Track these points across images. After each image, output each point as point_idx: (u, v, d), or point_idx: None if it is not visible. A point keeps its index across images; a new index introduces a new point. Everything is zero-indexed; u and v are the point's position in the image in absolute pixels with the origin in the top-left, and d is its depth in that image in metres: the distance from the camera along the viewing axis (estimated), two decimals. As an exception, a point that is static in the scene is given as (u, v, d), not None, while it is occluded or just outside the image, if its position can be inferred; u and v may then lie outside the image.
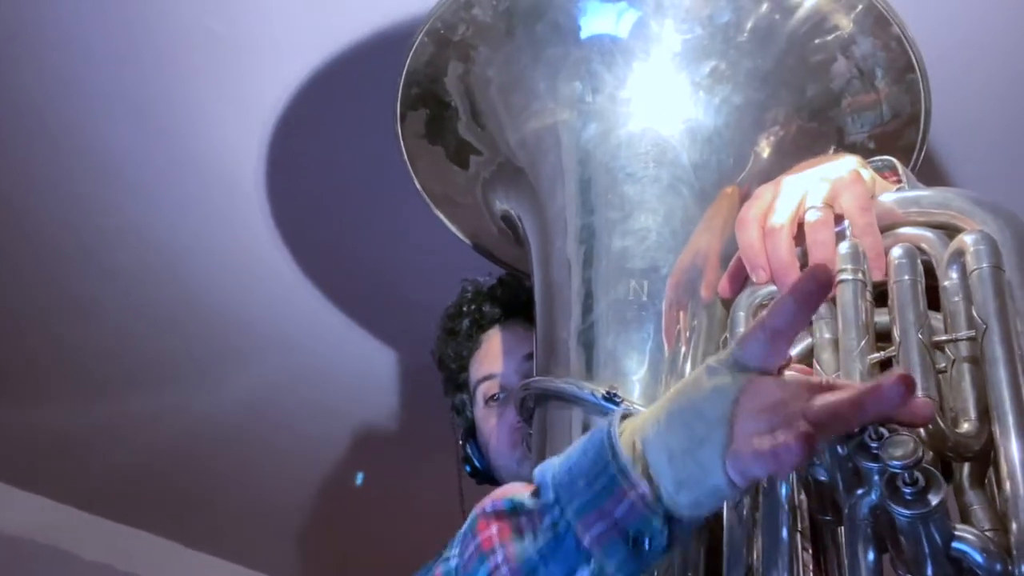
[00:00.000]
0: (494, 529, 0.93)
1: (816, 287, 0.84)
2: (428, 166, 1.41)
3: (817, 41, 1.19)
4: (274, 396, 2.42)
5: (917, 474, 0.83)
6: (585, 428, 1.12)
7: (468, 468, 1.58)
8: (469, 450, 1.57)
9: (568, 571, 0.88)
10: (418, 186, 1.43)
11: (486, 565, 0.92)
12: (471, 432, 1.57)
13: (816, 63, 1.20)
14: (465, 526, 0.97)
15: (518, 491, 0.95)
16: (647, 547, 0.87)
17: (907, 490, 0.83)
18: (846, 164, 1.10)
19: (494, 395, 1.49)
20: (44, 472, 2.66)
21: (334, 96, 1.80)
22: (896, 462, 0.82)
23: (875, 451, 0.86)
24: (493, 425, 1.48)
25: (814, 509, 0.99)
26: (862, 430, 0.87)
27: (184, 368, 2.35)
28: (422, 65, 1.32)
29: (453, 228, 1.48)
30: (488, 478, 1.56)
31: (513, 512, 0.93)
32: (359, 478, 2.63)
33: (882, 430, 0.86)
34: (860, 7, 1.17)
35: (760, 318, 0.88)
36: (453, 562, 0.99)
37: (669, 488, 0.86)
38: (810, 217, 1.06)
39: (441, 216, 1.46)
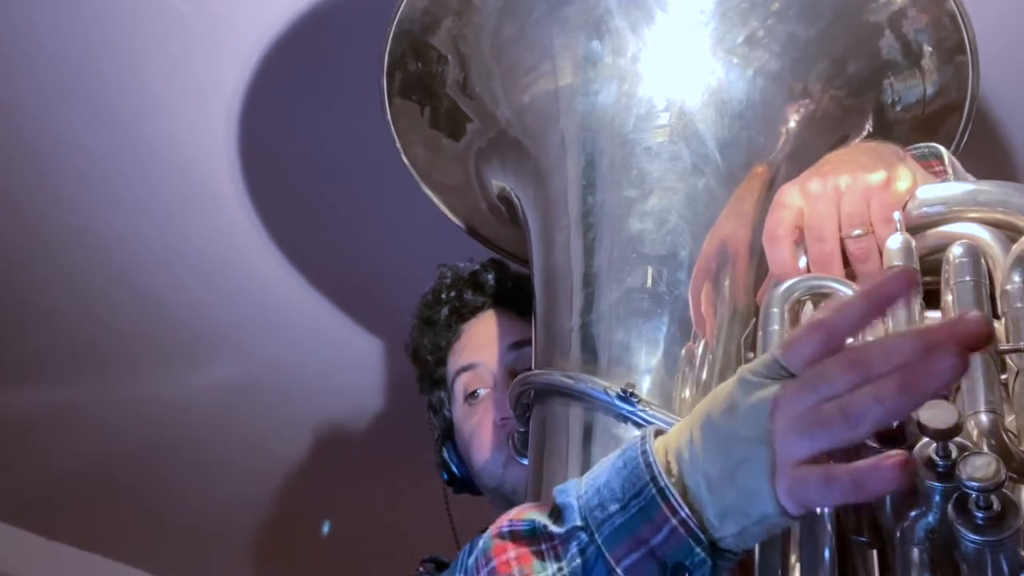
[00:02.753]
0: (512, 554, 0.90)
1: (898, 291, 0.81)
2: (415, 134, 1.37)
3: (865, 9, 1.17)
4: (240, 398, 2.37)
5: (993, 498, 0.81)
6: (590, 431, 1.09)
7: (445, 475, 1.53)
8: (446, 454, 1.52)
9: None
10: (404, 159, 1.38)
11: None
12: (449, 434, 1.53)
13: (862, 34, 1.18)
14: (476, 549, 0.93)
15: (535, 512, 0.92)
16: None
17: (979, 514, 0.82)
18: (878, 172, 1.07)
19: (474, 391, 1.44)
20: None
21: (307, 72, 1.77)
22: (975, 483, 0.80)
23: (942, 469, 0.84)
24: (475, 423, 1.43)
25: (848, 528, 0.97)
26: (926, 444, 0.86)
27: (138, 365, 2.30)
28: (417, 13, 1.27)
29: (441, 206, 1.43)
30: (467, 486, 1.52)
31: (534, 535, 0.90)
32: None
33: (950, 446, 0.84)
34: (916, -24, 1.15)
35: (814, 319, 0.85)
36: None
37: (712, 518, 0.83)
38: (853, 248, 1.05)
39: (428, 191, 1.42)
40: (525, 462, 1.30)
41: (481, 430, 1.41)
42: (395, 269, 1.63)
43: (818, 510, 0.92)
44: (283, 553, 2.81)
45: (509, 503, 1.35)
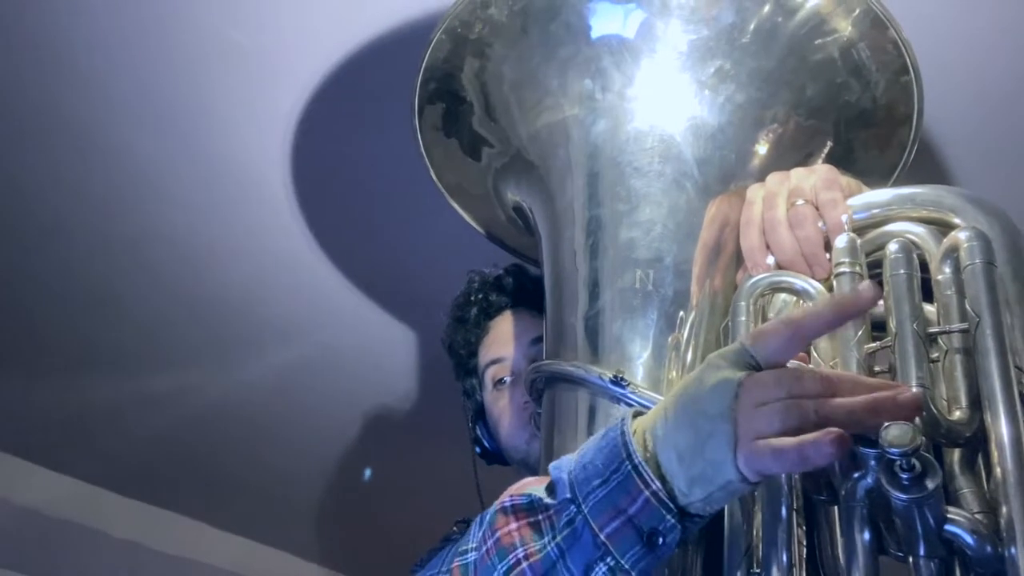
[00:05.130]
0: (513, 525, 0.91)
1: (865, 306, 0.84)
2: (444, 158, 1.39)
3: (817, 43, 1.17)
4: (295, 380, 2.40)
5: (914, 461, 0.82)
6: (591, 410, 1.11)
7: (478, 449, 1.56)
8: (479, 431, 1.54)
9: (586, 566, 0.86)
10: (433, 177, 1.40)
11: (507, 561, 0.89)
12: (480, 414, 1.54)
13: (816, 64, 1.18)
14: (484, 522, 0.95)
15: (534, 486, 0.94)
16: (661, 543, 0.85)
17: (904, 475, 0.82)
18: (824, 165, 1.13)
19: (501, 379, 1.47)
20: (73, 452, 2.65)
21: (351, 97, 1.78)
22: (895, 449, 0.81)
23: (873, 438, 0.85)
24: (502, 407, 1.45)
25: (808, 488, 0.97)
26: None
27: (205, 352, 2.34)
28: (439, 61, 1.29)
29: (467, 217, 1.45)
30: (497, 458, 1.54)
31: (531, 508, 0.92)
32: (367, 473, 2.63)
33: (879, 419, 0.85)
34: (859, 11, 1.14)
35: (787, 317, 0.86)
36: (472, 556, 0.97)
37: (682, 486, 0.84)
38: (793, 215, 1.07)
39: (455, 205, 1.43)
40: (545, 437, 1.33)
41: (507, 412, 1.44)
42: (426, 268, 1.64)
43: (782, 476, 0.93)
44: (331, 509, 2.83)
45: (533, 471, 1.37)
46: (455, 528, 1.41)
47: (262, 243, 2.06)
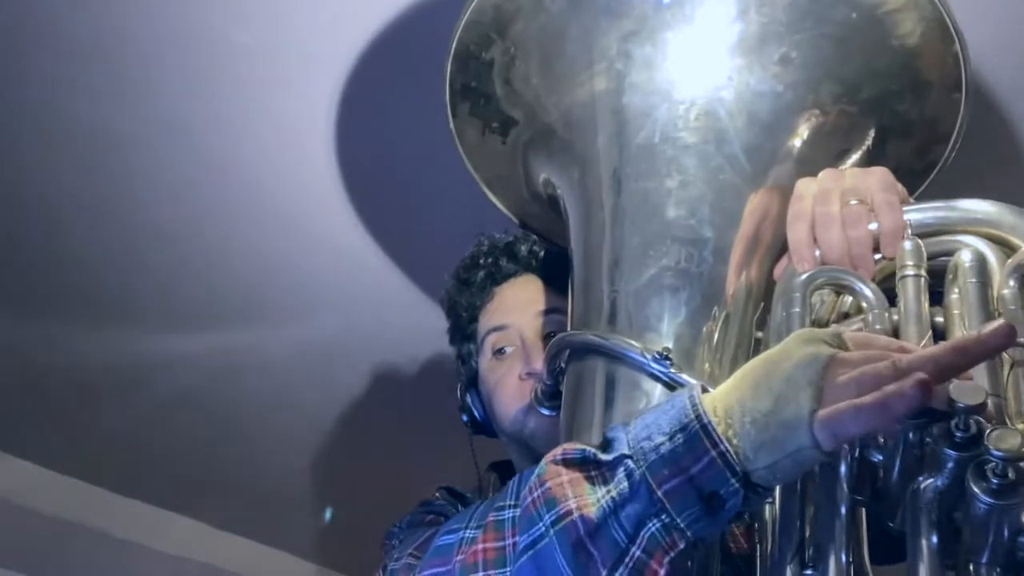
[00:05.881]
0: (565, 477, 0.87)
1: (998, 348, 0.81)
2: (474, 124, 1.32)
3: (884, 45, 1.15)
4: (297, 377, 2.33)
5: (1009, 468, 0.80)
6: (618, 383, 1.07)
7: (466, 418, 1.49)
8: (469, 399, 1.48)
9: (639, 522, 0.82)
10: (460, 149, 1.34)
11: (555, 510, 0.84)
12: (473, 382, 1.48)
13: (878, 67, 1.16)
14: (531, 475, 0.90)
15: (584, 446, 0.89)
16: (721, 507, 0.82)
17: (996, 481, 0.81)
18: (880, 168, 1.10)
19: (502, 347, 1.40)
20: (73, 450, 2.54)
21: (361, 99, 1.76)
22: (999, 452, 0.79)
23: (960, 440, 0.83)
24: (500, 376, 1.38)
25: (850, 485, 0.95)
26: (944, 417, 0.84)
27: (207, 351, 2.26)
28: (490, 6, 1.22)
29: (497, 202, 1.39)
30: (484, 430, 1.47)
31: (584, 462, 0.87)
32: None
33: (971, 421, 0.83)
34: (930, 18, 1.13)
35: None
36: (509, 512, 0.93)
37: (748, 451, 0.81)
38: (846, 214, 1.05)
39: (488, 192, 1.38)
40: (544, 411, 1.27)
41: (506, 382, 1.37)
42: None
43: (842, 471, 0.91)
44: (333, 510, 2.76)
45: (527, 446, 1.32)
46: (436, 495, 1.35)
47: (268, 241, 2.02)
